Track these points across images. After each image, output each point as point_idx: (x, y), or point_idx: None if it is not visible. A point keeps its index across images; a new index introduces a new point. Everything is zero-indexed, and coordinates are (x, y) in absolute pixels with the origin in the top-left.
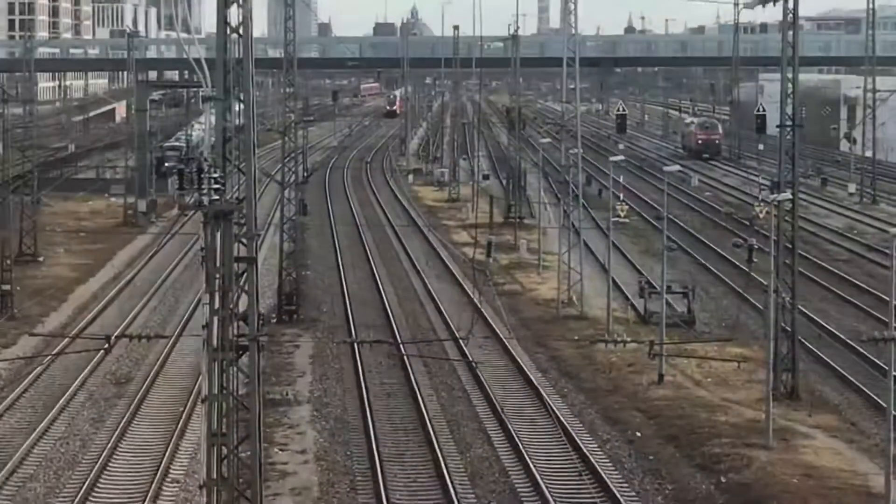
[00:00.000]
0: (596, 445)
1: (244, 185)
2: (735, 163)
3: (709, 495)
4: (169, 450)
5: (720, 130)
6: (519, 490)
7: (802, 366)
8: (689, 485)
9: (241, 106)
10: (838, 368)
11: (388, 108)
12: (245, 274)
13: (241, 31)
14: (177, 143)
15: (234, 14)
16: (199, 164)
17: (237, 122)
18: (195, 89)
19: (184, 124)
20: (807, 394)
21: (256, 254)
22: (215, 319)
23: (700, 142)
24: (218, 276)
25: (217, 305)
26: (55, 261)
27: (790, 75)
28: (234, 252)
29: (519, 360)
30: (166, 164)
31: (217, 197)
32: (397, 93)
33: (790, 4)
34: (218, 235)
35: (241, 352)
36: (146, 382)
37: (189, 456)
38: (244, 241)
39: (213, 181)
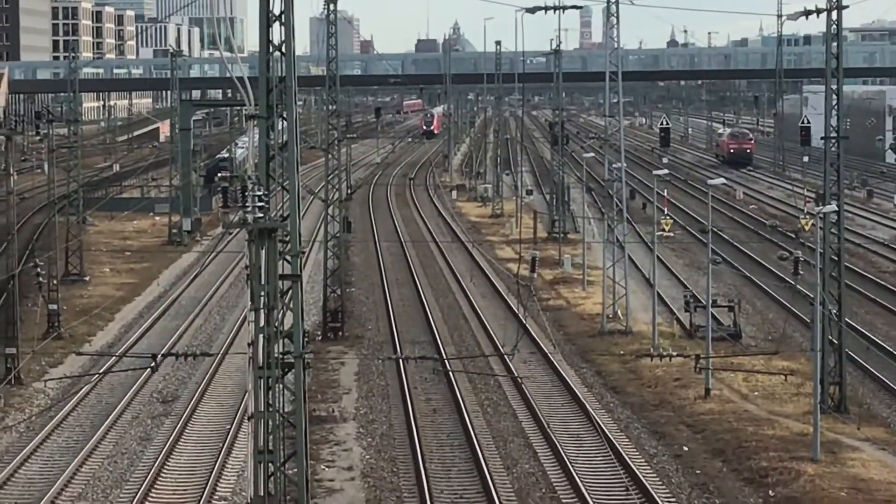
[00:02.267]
0: (643, 460)
1: (288, 203)
2: (780, 175)
3: None
4: (216, 468)
5: (751, 139)
6: None
7: (850, 378)
8: (737, 499)
9: (284, 124)
10: (886, 381)
11: (424, 127)
12: (290, 291)
13: (283, 50)
14: (230, 155)
15: (276, 32)
16: (243, 182)
17: (280, 139)
18: (238, 107)
19: (227, 142)
20: (854, 406)
21: (301, 271)
22: (261, 337)
23: (732, 150)
24: (263, 293)
25: (262, 323)
26: (101, 280)
27: (834, 87)
28: (279, 270)
29: (564, 375)
30: (219, 175)
31: (261, 215)
32: (435, 111)
33: (834, 16)
34: (263, 253)
35: (286, 369)
36: (192, 401)
37: (236, 473)
38: (289, 258)
39: (257, 199)
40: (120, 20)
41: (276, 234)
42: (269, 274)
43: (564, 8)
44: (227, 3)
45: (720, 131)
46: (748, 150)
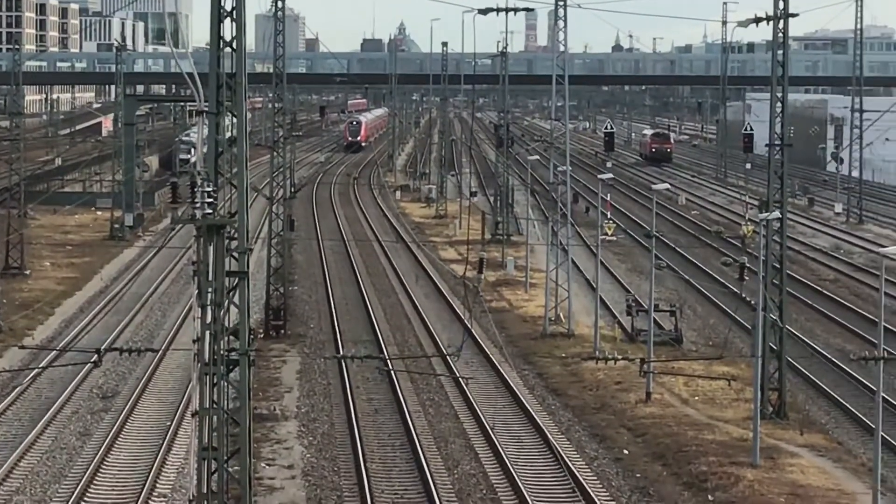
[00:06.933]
0: (583, 463)
1: (236, 199)
2: (722, 181)
3: None
4: (156, 464)
5: (671, 140)
6: None
7: (790, 385)
8: (676, 503)
9: (234, 119)
10: (825, 388)
11: (350, 138)
12: (236, 288)
13: (234, 46)
14: (188, 139)
15: (227, 28)
16: (192, 178)
17: (228, 135)
18: (182, 103)
19: (171, 137)
20: (794, 413)
21: (248, 268)
22: (207, 333)
23: (654, 150)
24: (210, 290)
25: (209, 320)
26: (42, 274)
27: (779, 94)
28: (226, 266)
29: (506, 376)
30: (179, 157)
31: (210, 211)
32: (363, 117)
33: (781, 24)
34: (210, 249)
35: (231, 366)
36: (133, 396)
37: (176, 470)
38: (236, 255)
39: (206, 195)
40: (64, 13)
41: (225, 230)
42: (217, 270)
43: (515, 10)
44: None
45: (644, 132)
46: (668, 150)
